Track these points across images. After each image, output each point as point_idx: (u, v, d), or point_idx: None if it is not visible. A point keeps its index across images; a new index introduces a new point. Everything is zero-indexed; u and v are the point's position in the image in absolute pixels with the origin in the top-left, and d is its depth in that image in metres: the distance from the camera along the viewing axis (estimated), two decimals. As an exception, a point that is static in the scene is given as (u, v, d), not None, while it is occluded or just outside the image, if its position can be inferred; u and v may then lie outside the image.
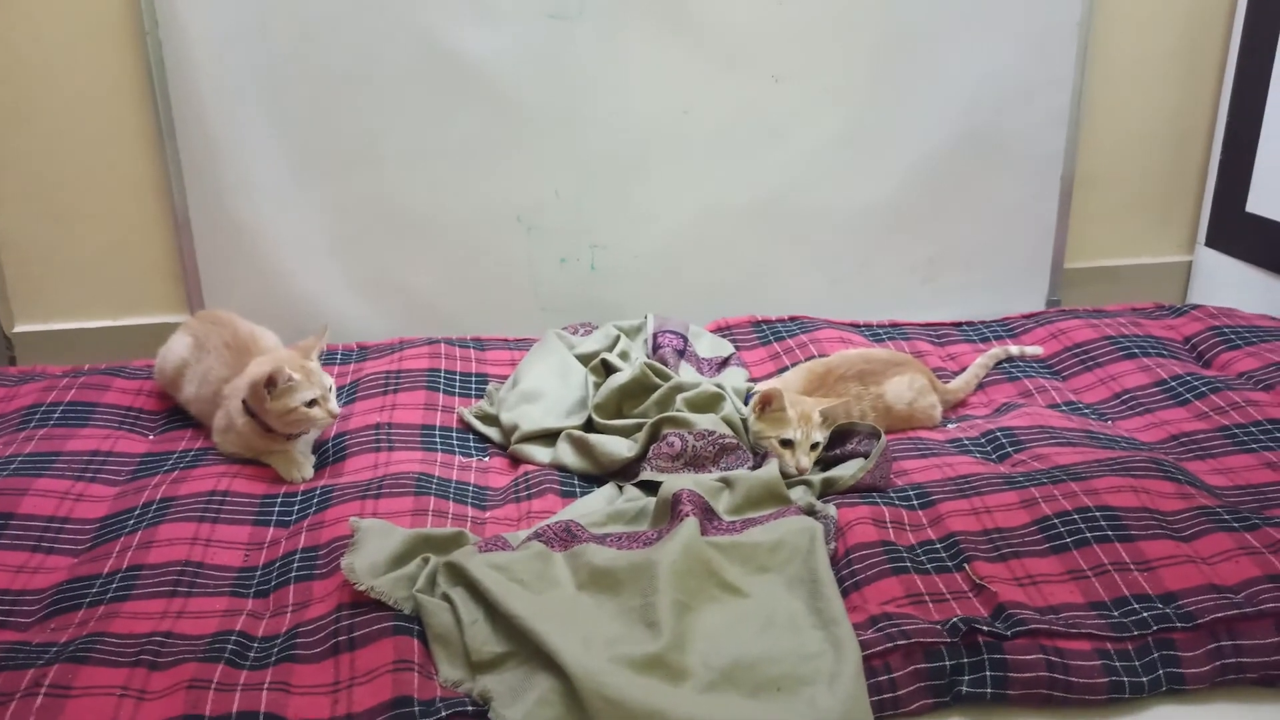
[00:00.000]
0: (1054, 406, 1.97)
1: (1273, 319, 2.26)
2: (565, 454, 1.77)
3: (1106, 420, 1.92)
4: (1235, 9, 2.45)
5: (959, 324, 2.35)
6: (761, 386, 1.84)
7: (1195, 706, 1.27)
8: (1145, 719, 1.25)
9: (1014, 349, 2.15)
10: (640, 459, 1.72)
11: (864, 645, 1.26)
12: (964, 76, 2.37)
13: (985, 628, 1.29)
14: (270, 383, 1.63)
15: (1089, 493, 1.53)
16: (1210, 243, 2.57)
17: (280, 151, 2.19)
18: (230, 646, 1.29)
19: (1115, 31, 2.45)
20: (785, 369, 2.07)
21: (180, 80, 2.11)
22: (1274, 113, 2.34)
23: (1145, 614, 1.32)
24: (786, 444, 1.68)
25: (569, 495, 1.68)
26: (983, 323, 2.35)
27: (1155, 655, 1.29)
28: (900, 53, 2.34)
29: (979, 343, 2.25)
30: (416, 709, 1.19)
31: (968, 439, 1.83)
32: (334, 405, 1.67)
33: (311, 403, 1.64)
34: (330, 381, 1.68)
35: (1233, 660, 1.29)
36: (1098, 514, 1.48)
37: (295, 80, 2.15)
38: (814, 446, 1.69)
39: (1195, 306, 2.32)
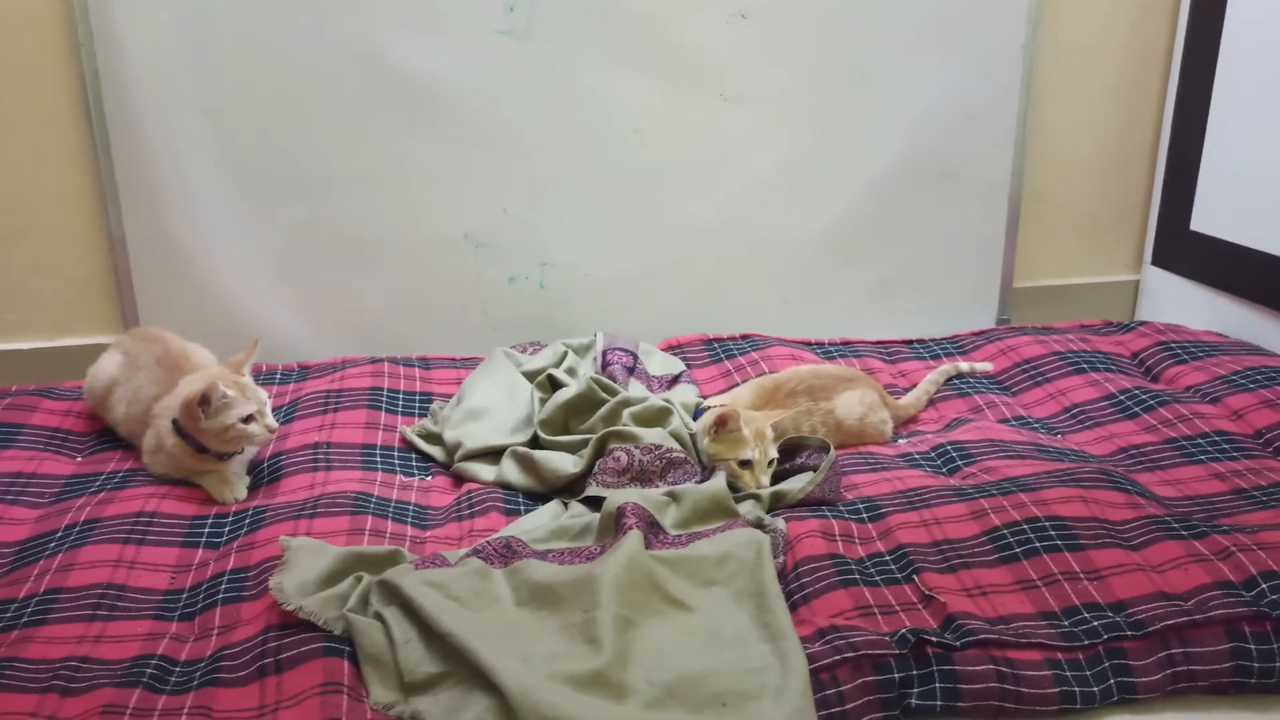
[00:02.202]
0: (1004, 421, 1.96)
1: (1218, 335, 2.28)
2: (510, 471, 1.73)
3: (1056, 434, 1.92)
4: (1175, 32, 2.49)
5: (910, 341, 2.35)
6: (713, 403, 1.81)
7: (1147, 716, 1.25)
8: (1096, 729, 1.23)
9: (964, 365, 2.15)
10: (586, 475, 1.68)
11: (812, 658, 1.23)
12: (911, 100, 2.39)
13: (934, 639, 1.26)
14: (204, 400, 1.57)
15: (1038, 503, 1.51)
16: (1156, 261, 2.60)
17: (221, 169, 2.15)
18: (150, 671, 1.23)
19: (1060, 55, 2.48)
20: (736, 386, 2.05)
21: (117, 95, 2.06)
22: (1215, 133, 2.38)
23: (1096, 623, 1.30)
24: (745, 465, 1.64)
25: (513, 513, 1.63)
26: (933, 340, 2.35)
27: (1106, 664, 1.26)
28: (848, 77, 2.35)
29: (929, 360, 2.24)
30: (345, 732, 1.13)
31: (918, 453, 1.81)
32: (271, 420, 1.61)
33: (248, 419, 1.58)
34: (265, 396, 1.62)
35: (1184, 668, 1.27)
36: (1047, 524, 1.47)
37: (236, 97, 2.11)
38: (770, 463, 1.67)
39: (1143, 323, 2.34)
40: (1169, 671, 1.27)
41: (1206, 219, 2.43)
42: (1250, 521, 1.53)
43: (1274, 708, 1.26)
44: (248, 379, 1.63)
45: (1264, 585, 1.35)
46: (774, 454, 1.67)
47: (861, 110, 2.37)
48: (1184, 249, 2.50)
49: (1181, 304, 2.51)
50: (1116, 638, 1.28)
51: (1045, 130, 2.53)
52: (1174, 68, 2.49)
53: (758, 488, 1.63)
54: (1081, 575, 1.38)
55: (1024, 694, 1.22)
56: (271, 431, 1.62)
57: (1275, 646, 1.28)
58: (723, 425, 1.67)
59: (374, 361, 2.09)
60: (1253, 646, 1.27)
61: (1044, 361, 2.13)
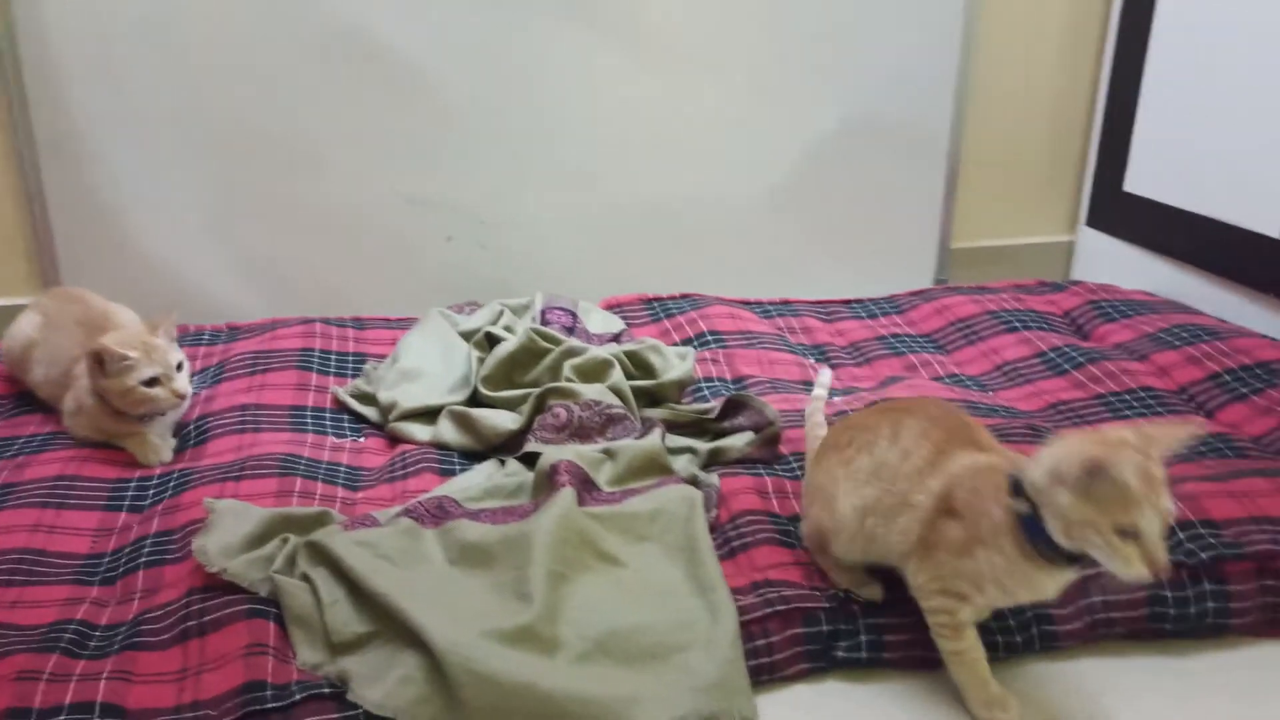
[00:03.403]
0: (937, 379, 1.98)
1: (1149, 294, 2.32)
2: (446, 430, 1.71)
3: (988, 391, 1.94)
4: (1112, -7, 2.52)
5: (848, 301, 2.36)
6: (1083, 446, 1.05)
7: (1065, 663, 1.28)
8: (1019, 673, 1.25)
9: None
10: (525, 431, 1.67)
11: (744, 611, 1.24)
12: (850, 59, 2.38)
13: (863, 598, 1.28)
14: (98, 361, 1.53)
15: (967, 458, 1.53)
16: (1091, 222, 2.63)
17: (144, 125, 2.08)
18: (68, 636, 1.20)
19: (999, 14, 2.49)
20: (677, 345, 2.04)
21: (33, 47, 1.98)
22: (1149, 94, 2.40)
23: (1019, 574, 1.32)
24: (1128, 535, 1.02)
25: (448, 473, 1.62)
26: (871, 300, 2.36)
27: (1029, 614, 1.29)
28: (787, 35, 2.33)
29: (866, 319, 2.26)
30: (269, 693, 1.12)
31: (851, 411, 1.82)
32: (180, 385, 1.57)
33: (151, 382, 1.54)
34: (179, 359, 1.58)
35: (1103, 616, 1.30)
36: (975, 478, 1.48)
37: (158, 51, 2.04)
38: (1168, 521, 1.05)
39: (1075, 282, 2.38)
40: (1088, 619, 1.29)
41: (1139, 180, 2.46)
42: (1171, 474, 1.56)
43: (1189, 651, 1.30)
44: (161, 341, 1.58)
45: (1182, 535, 1.37)
46: (1171, 506, 1.05)
47: (801, 69, 2.36)
48: (1117, 210, 2.54)
49: (1114, 264, 2.55)
50: (1039, 588, 1.30)
51: (984, 90, 2.54)
52: (1111, 28, 2.52)
53: (1156, 574, 1.02)
54: (1006, 528, 1.40)
55: (948, 644, 1.24)
56: (180, 397, 1.57)
57: (1190, 593, 1.31)
58: (1096, 474, 1.02)
59: (305, 322, 2.05)
60: (1169, 593, 1.31)
61: (977, 320, 2.16)
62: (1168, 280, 2.40)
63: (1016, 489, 1.09)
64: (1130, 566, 1.02)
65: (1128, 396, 1.85)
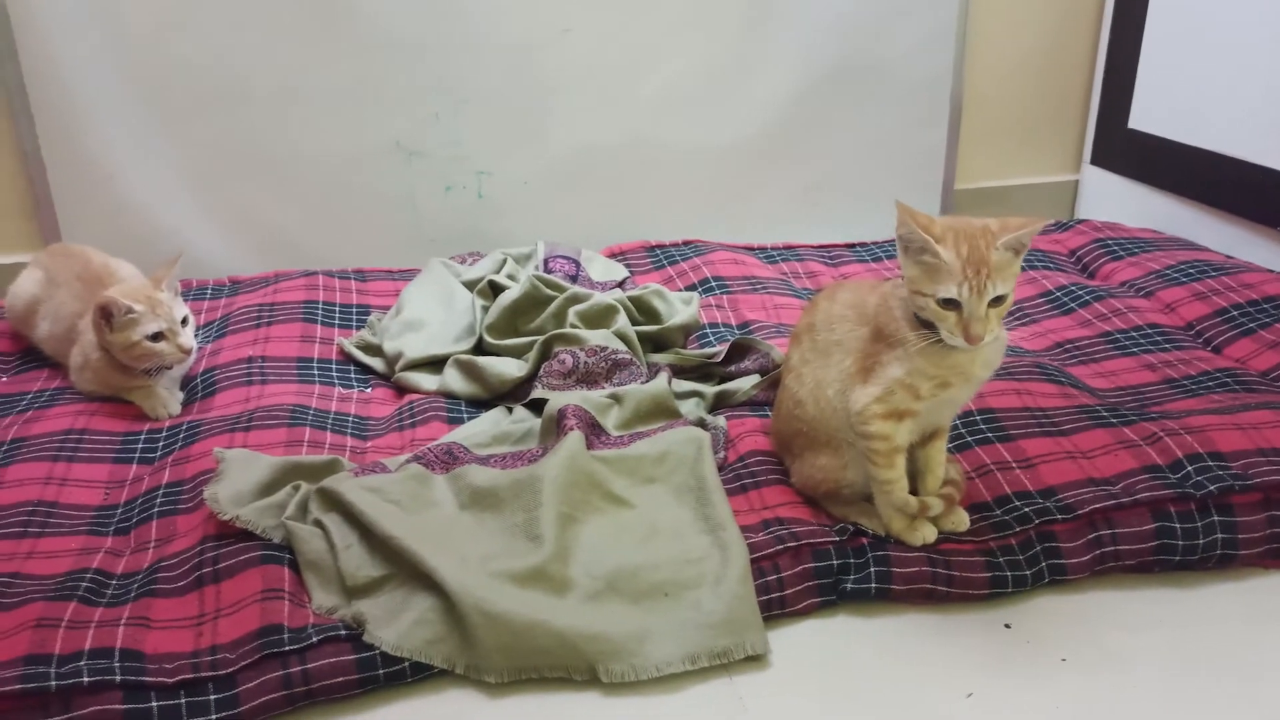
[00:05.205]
0: (944, 320, 1.97)
1: (1154, 231, 2.30)
2: (453, 379, 1.71)
3: (994, 331, 1.94)
4: (1116, -75, 2.47)
5: (852, 245, 2.35)
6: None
7: (1074, 595, 1.28)
8: (1027, 607, 1.26)
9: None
10: (531, 379, 1.67)
11: (754, 548, 1.25)
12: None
13: (869, 530, 1.29)
14: (105, 314, 1.52)
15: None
16: (1096, 161, 2.61)
17: (132, 82, 2.05)
18: (85, 584, 1.21)
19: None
20: (681, 292, 2.03)
21: (21, 5, 1.96)
22: (1153, 29, 2.37)
23: (1027, 509, 1.33)
24: (949, 305, 1.14)
25: (456, 422, 1.62)
26: (874, 243, 2.35)
27: (1038, 548, 1.29)
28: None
29: (871, 262, 2.25)
30: (286, 636, 1.13)
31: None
32: (185, 339, 1.57)
33: (156, 336, 1.54)
34: (184, 314, 1.58)
35: (1110, 549, 1.30)
36: (978, 418, 1.49)
37: (149, 6, 2.01)
38: (996, 301, 1.14)
39: (1081, 221, 2.36)
40: (1097, 552, 1.30)
41: (1143, 117, 2.43)
42: (1178, 408, 1.57)
43: (1192, 583, 1.31)
44: (165, 294, 1.58)
45: (1190, 468, 1.38)
46: (1001, 290, 1.13)
47: (792, 9, 2.31)
48: (1122, 147, 2.51)
49: (1120, 202, 2.53)
50: (1047, 522, 1.31)
51: (986, 29, 2.50)
52: (1115, -37, 2.48)
53: (968, 342, 1.13)
54: (1013, 464, 1.41)
55: (955, 578, 1.25)
56: (185, 352, 1.57)
57: (1199, 525, 1.32)
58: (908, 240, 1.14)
59: (308, 275, 2.04)
60: (1177, 525, 1.31)
61: (983, 261, 2.14)
62: (1174, 217, 2.38)
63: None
64: (952, 334, 1.14)
65: (1134, 334, 1.84)
